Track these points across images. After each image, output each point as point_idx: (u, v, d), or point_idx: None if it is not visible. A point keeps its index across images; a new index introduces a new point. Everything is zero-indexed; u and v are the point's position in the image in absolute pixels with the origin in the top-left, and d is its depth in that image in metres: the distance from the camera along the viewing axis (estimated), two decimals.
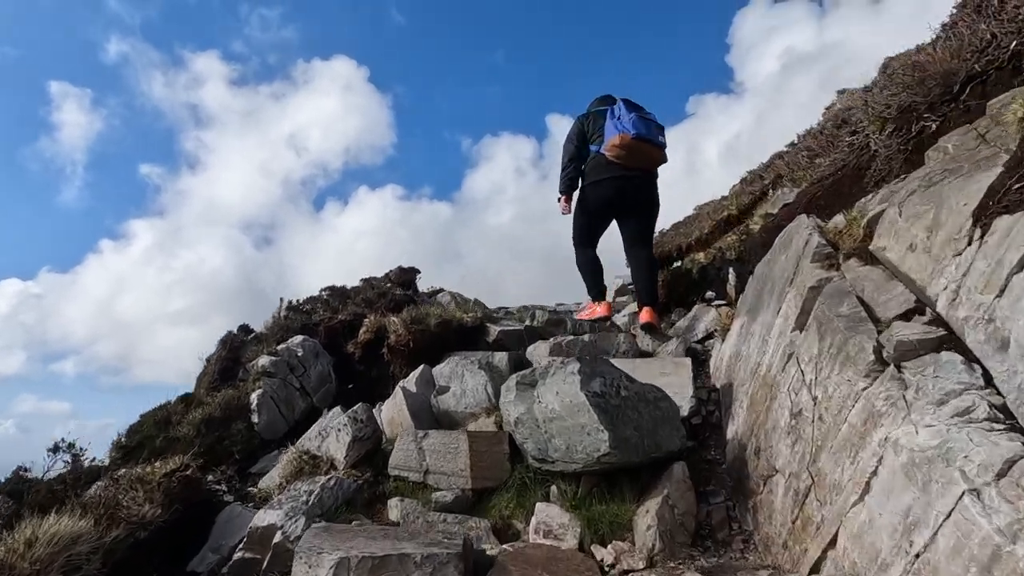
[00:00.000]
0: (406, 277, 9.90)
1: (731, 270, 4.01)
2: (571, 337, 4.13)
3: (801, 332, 2.36)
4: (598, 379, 2.62)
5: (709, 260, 4.20)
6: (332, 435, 3.08)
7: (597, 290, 4.33)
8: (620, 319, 6.98)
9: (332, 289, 5.99)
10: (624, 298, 10.91)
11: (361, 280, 6.98)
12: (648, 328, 3.95)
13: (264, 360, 4.43)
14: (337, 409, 3.95)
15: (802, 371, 2.23)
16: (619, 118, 3.76)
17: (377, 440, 3.21)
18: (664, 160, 3.96)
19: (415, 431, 2.92)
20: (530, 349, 4.28)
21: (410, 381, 4.03)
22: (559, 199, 4.33)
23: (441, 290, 12.48)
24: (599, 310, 4.31)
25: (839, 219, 2.70)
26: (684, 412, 3.11)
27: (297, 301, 5.57)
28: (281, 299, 5.64)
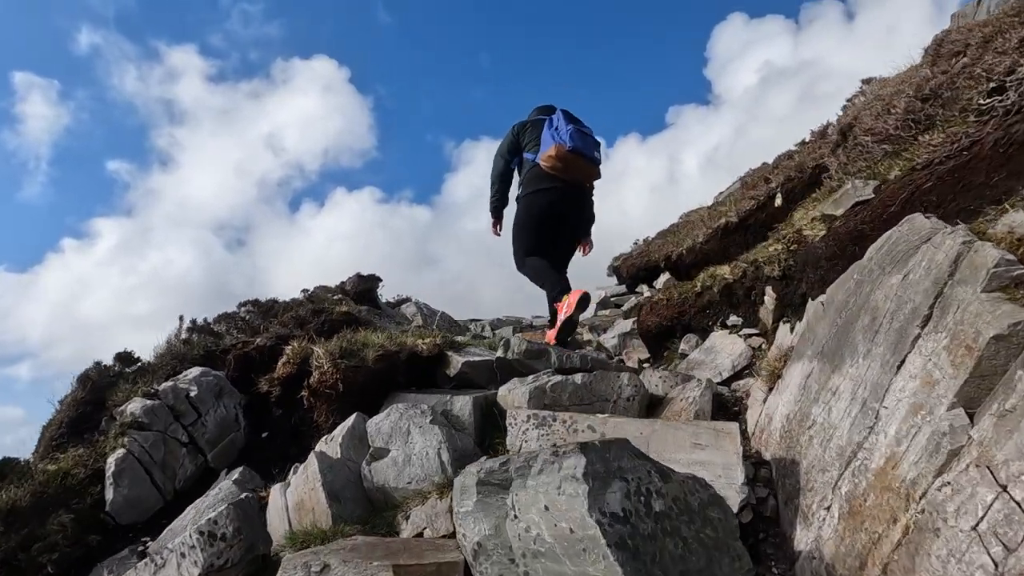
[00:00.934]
0: (365, 286, 8.67)
1: (768, 290, 2.98)
2: (558, 378, 3.01)
3: (986, 418, 1.30)
4: (617, 485, 1.51)
5: (737, 276, 3.15)
6: (171, 564, 1.88)
7: (559, 288, 3.58)
8: (609, 341, 5.93)
9: (255, 304, 4.73)
10: (607, 312, 9.90)
11: (302, 291, 5.75)
12: (582, 301, 3.46)
13: (135, 406, 3.14)
14: (229, 483, 2.74)
15: (1010, 497, 1.17)
16: (556, 128, 3.58)
17: (255, 561, 2.00)
18: (597, 176, 3.72)
19: (307, 564, 1.74)
20: (503, 391, 3.16)
21: (334, 440, 2.86)
22: (492, 222, 4.05)
23: (407, 300, 11.23)
24: (572, 300, 3.46)
25: (1017, 218, 1.66)
26: (734, 507, 2.03)
27: (205, 320, 4.31)
28: (181, 317, 4.31)
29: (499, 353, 3.52)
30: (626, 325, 5.74)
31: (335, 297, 5.76)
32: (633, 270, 9.77)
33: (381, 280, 9.82)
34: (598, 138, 3.68)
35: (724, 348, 3.31)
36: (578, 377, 3.00)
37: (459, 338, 4.42)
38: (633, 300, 9.42)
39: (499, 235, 4.05)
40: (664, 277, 9.38)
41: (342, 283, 8.43)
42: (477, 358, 3.75)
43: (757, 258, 2.88)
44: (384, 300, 11.72)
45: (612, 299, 10.01)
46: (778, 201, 6.08)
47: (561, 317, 3.52)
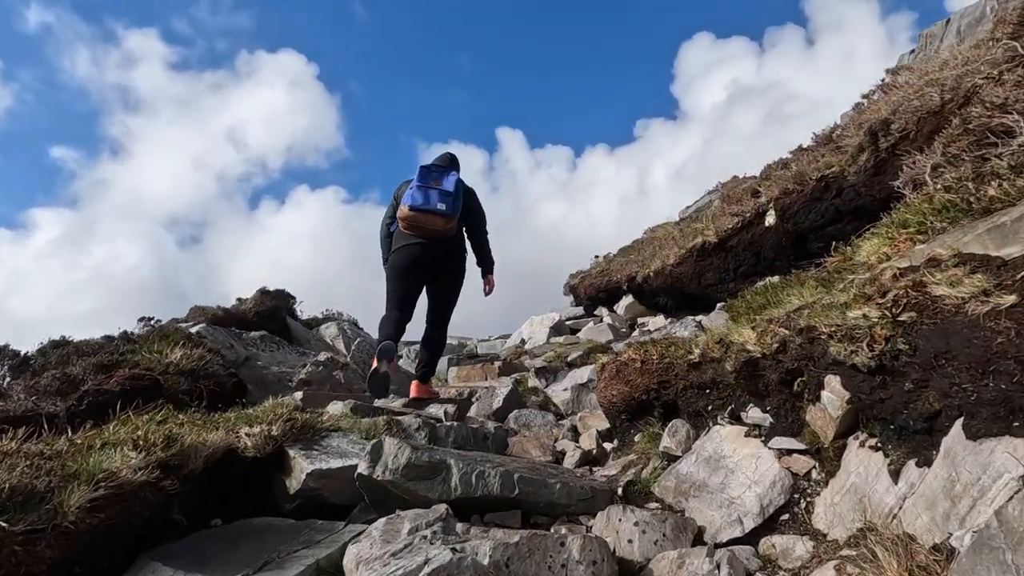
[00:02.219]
0: (270, 305, 6.99)
1: (834, 383, 1.60)
2: (444, 558, 1.52)
3: None
4: None
5: (768, 350, 1.76)
6: None
7: (379, 348, 3.68)
8: (560, 394, 4.48)
9: (56, 344, 3.06)
10: (560, 339, 8.54)
11: (140, 321, 4.09)
12: (415, 403, 3.77)
13: None
14: None
15: None
16: (411, 188, 3.74)
17: None
18: (448, 227, 3.73)
19: None
20: (349, 558, 1.66)
21: None
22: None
23: (330, 319, 9.53)
24: (373, 363, 3.60)
25: None
26: None
27: None
28: None
29: (361, 467, 2.01)
30: (582, 374, 4.35)
31: (188, 329, 4.12)
32: (592, 291, 8.44)
33: (293, 298, 8.14)
34: (449, 190, 3.71)
35: (741, 465, 1.93)
36: (487, 551, 1.52)
37: (329, 412, 2.88)
38: (591, 325, 8.08)
39: None
40: (626, 300, 8.10)
41: (239, 301, 6.73)
42: (337, 463, 2.23)
43: (815, 324, 1.55)
44: (308, 316, 10.00)
45: (568, 322, 8.64)
46: (770, 219, 4.83)
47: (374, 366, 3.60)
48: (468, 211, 3.89)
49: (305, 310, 9.71)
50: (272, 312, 6.86)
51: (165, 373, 2.88)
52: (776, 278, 3.96)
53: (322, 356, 5.92)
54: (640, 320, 7.61)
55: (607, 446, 3.08)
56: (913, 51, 15.41)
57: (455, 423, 2.52)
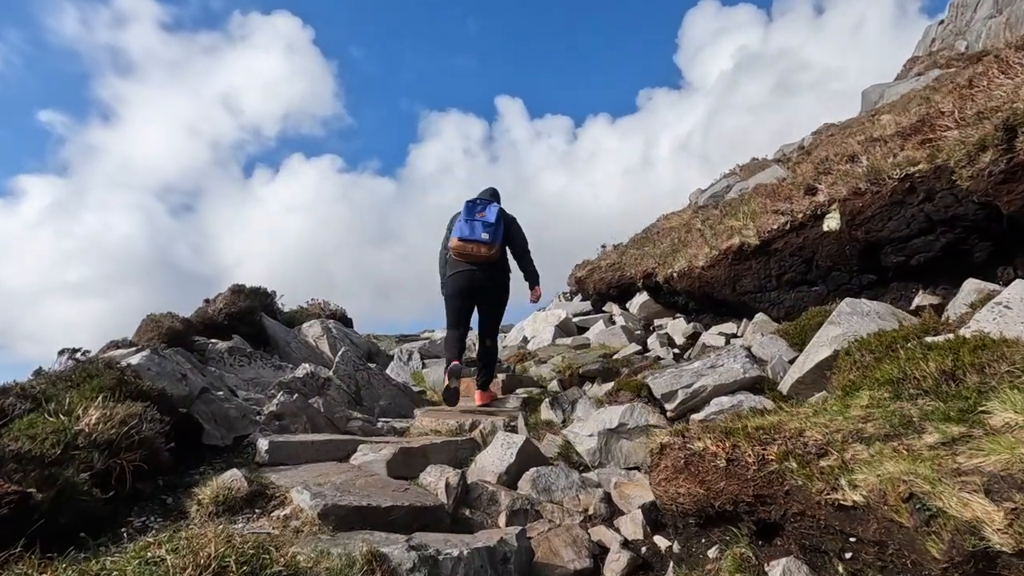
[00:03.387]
0: (242, 307, 6.12)
1: None
2: None
3: None
4: None
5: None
6: None
7: (451, 353, 4.46)
8: (584, 440, 3.66)
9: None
10: (567, 341, 7.74)
11: (61, 355, 3.26)
12: (482, 408, 4.34)
13: None
14: None
15: None
16: (459, 221, 4.36)
17: None
18: (491, 253, 4.31)
19: None
20: None
21: None
22: None
23: (312, 316, 8.58)
24: (447, 375, 4.37)
25: None
26: None
27: None
28: None
29: None
30: (611, 416, 3.51)
31: (124, 362, 3.28)
32: (602, 286, 7.62)
33: (271, 294, 7.27)
34: (491, 220, 4.31)
35: None
36: None
37: (289, 523, 2.08)
38: (600, 325, 7.30)
39: None
40: (641, 298, 7.31)
41: (206, 303, 5.87)
42: None
43: None
44: (292, 309, 9.13)
45: (575, 319, 7.86)
46: (831, 223, 4.00)
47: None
48: (510, 237, 4.49)
49: (289, 300, 8.85)
50: (245, 314, 6.01)
51: (67, 452, 2.07)
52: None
53: (300, 371, 5.11)
54: (657, 322, 6.83)
55: (660, 543, 2.32)
56: (942, 22, 14.44)
57: (463, 552, 1.75)
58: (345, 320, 9.81)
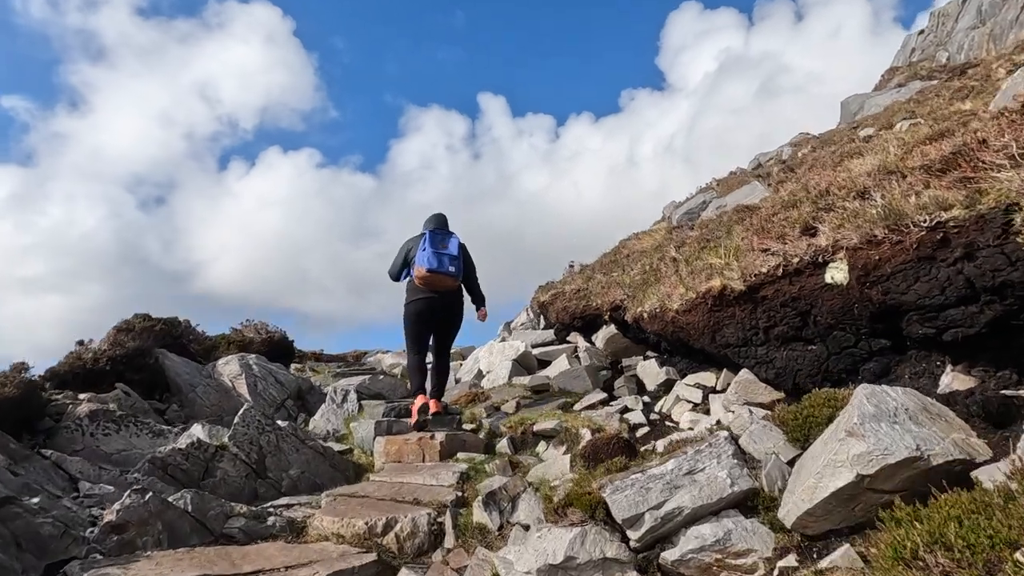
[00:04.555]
0: (130, 348, 5.05)
1: None
2: None
3: None
4: None
5: None
6: None
7: (417, 387, 4.93)
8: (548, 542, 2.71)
9: None
10: (525, 380, 6.84)
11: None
12: (423, 409, 4.74)
13: None
14: None
15: None
16: (424, 250, 4.64)
17: None
18: (455, 284, 4.79)
19: None
20: None
21: None
22: None
23: (233, 356, 7.40)
24: (416, 401, 4.85)
25: None
26: None
27: None
28: None
29: None
30: (552, 545, 2.59)
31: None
32: (566, 316, 6.76)
33: (179, 324, 6.19)
34: (455, 254, 4.76)
35: None
36: None
37: None
38: (563, 361, 6.43)
39: None
40: (607, 331, 6.46)
41: (81, 346, 4.78)
42: None
43: None
44: (217, 335, 8.03)
45: (536, 351, 6.98)
46: (836, 275, 3.20)
47: (418, 403, 4.83)
48: (466, 267, 4.92)
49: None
50: (134, 356, 4.95)
51: None
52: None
53: (184, 439, 4.11)
54: (626, 361, 6.00)
55: None
56: (922, 31, 14.02)
57: None
58: (284, 347, 8.76)
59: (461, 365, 8.22)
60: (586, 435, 4.42)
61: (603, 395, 5.35)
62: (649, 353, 5.98)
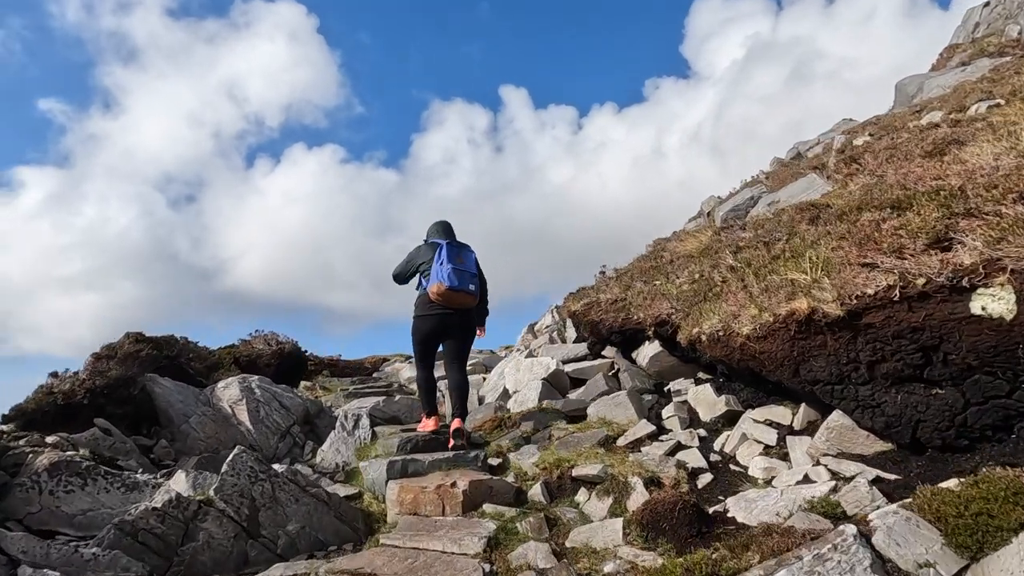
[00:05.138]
0: (113, 378, 4.44)
1: None
2: None
3: None
4: None
5: None
6: None
7: (430, 408, 4.83)
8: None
9: None
10: (558, 405, 6.09)
11: None
12: (457, 434, 4.49)
13: None
14: None
15: None
16: (441, 264, 4.38)
17: None
18: (474, 303, 4.58)
19: None
20: None
21: None
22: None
23: (233, 378, 6.82)
24: (430, 424, 4.78)
25: None
26: None
27: None
28: None
29: None
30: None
31: None
32: (602, 329, 5.98)
33: (176, 342, 5.60)
34: (473, 271, 4.58)
35: None
36: None
37: None
38: (600, 381, 5.67)
39: None
40: (651, 348, 5.67)
41: (55, 379, 4.19)
42: None
43: None
44: (220, 348, 7.48)
45: (567, 367, 6.24)
46: (993, 306, 2.39)
47: (430, 427, 4.76)
48: (480, 281, 4.78)
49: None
50: (117, 386, 4.36)
51: None
52: None
53: (161, 496, 3.47)
54: (674, 385, 5.21)
55: None
56: (988, 3, 12.72)
57: None
58: (295, 360, 8.16)
59: (484, 380, 7.52)
60: (636, 485, 3.67)
61: (650, 427, 4.58)
62: (702, 376, 5.19)
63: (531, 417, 5.41)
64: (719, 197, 9.72)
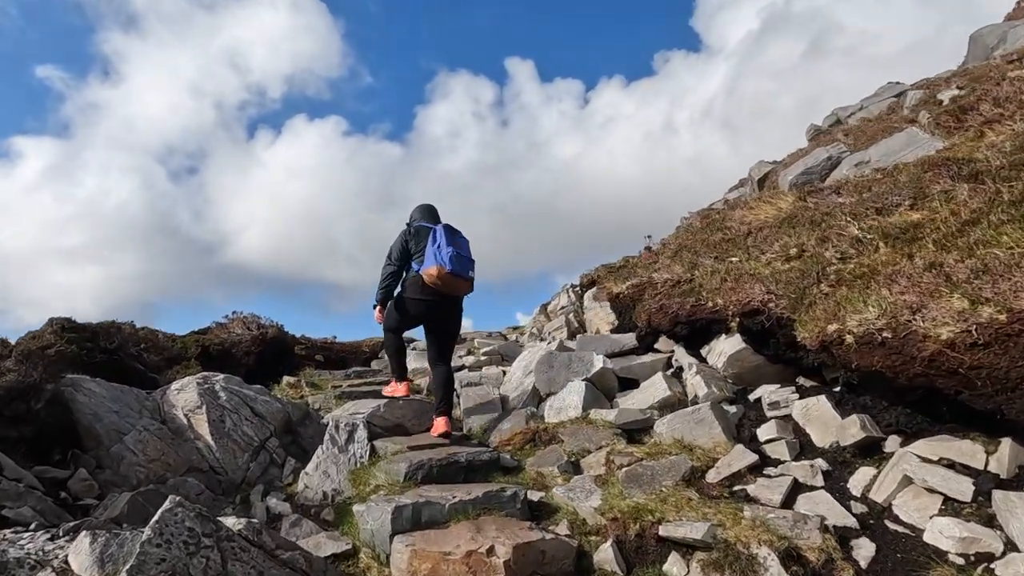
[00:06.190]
0: (12, 386, 3.13)
1: None
2: None
3: None
4: None
5: None
6: None
7: (401, 370, 4.77)
8: None
9: None
10: (610, 418, 4.74)
11: None
12: (444, 436, 4.17)
13: None
14: None
15: None
16: (439, 247, 4.12)
17: None
18: (470, 290, 4.36)
19: None
20: None
21: None
22: (374, 306, 4.58)
23: (190, 378, 5.34)
24: (400, 389, 4.71)
25: None
26: None
27: None
28: None
29: None
30: None
31: None
32: (662, 318, 4.67)
33: (118, 331, 4.30)
34: (473, 258, 4.32)
35: None
36: None
37: None
38: (660, 386, 4.41)
39: (380, 323, 4.62)
40: (730, 343, 4.37)
41: None
42: None
43: None
44: (191, 332, 6.18)
45: (612, 364, 4.94)
46: None
47: (400, 391, 4.69)
48: None
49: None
50: (9, 400, 3.04)
51: None
52: None
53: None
54: (766, 394, 3.92)
55: None
56: None
57: None
58: (280, 346, 6.86)
59: (504, 374, 6.25)
60: (768, 561, 2.44)
61: (751, 456, 3.33)
62: (804, 382, 3.92)
63: (577, 432, 4.15)
64: (772, 161, 8.34)
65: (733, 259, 4.58)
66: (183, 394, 4.19)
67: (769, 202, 5.35)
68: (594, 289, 11.90)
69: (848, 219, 3.81)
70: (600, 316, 11.40)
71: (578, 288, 13.26)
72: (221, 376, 4.44)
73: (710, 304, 4.30)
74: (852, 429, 3.22)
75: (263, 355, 6.58)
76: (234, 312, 6.86)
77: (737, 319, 4.08)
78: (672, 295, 4.62)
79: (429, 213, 4.60)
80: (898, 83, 14.36)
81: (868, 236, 3.56)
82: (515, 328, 15.42)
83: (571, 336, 11.88)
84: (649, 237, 6.47)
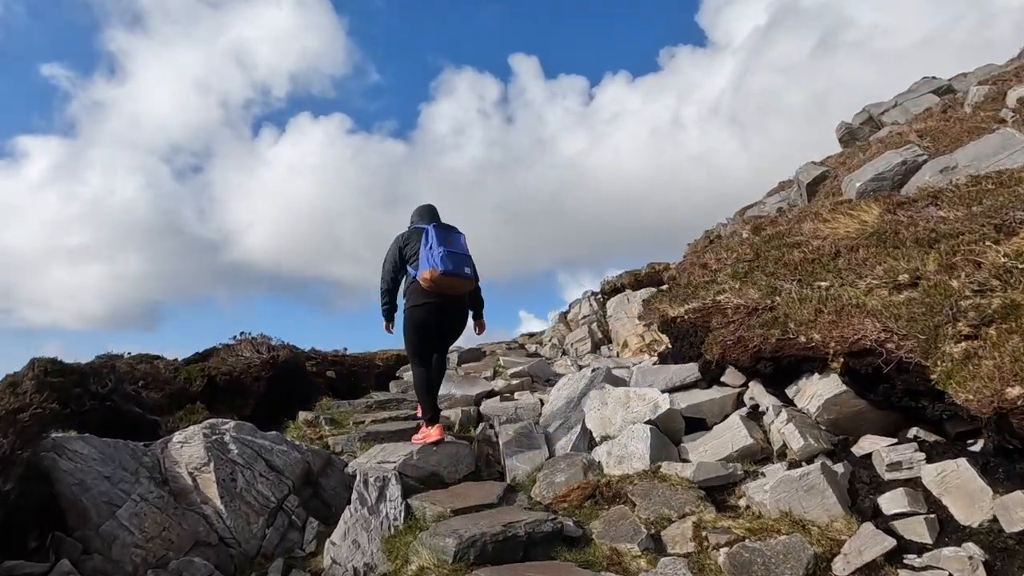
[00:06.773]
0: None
1: None
2: None
3: None
4: None
5: None
6: None
7: (432, 412, 4.27)
8: None
9: None
10: (676, 470, 4.06)
11: None
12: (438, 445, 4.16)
13: None
14: None
15: None
16: (430, 248, 3.99)
17: None
18: (471, 287, 4.28)
19: None
20: None
21: None
22: (384, 322, 4.53)
23: (194, 428, 4.67)
24: (432, 434, 4.20)
25: None
26: None
27: None
28: None
29: None
30: None
31: None
32: (740, 353, 4.03)
33: (107, 372, 3.68)
34: (469, 253, 4.15)
35: None
36: None
37: None
38: (739, 429, 3.78)
39: (391, 333, 4.56)
40: (827, 385, 3.70)
41: None
42: None
43: None
44: (194, 356, 5.59)
45: (676, 401, 4.30)
46: None
47: (434, 437, 4.14)
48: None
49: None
50: None
51: None
52: None
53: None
54: (886, 453, 3.28)
55: None
56: None
57: None
58: (292, 371, 6.24)
59: (542, 403, 5.62)
60: None
61: (887, 541, 2.69)
62: (920, 433, 3.28)
63: (649, 491, 3.52)
64: (819, 163, 7.66)
65: (822, 283, 3.93)
66: (187, 448, 3.57)
67: (849, 214, 4.69)
68: (618, 297, 11.22)
69: (983, 241, 3.16)
70: (628, 328, 10.66)
71: (599, 296, 12.58)
72: (231, 424, 3.81)
73: (802, 339, 3.65)
74: (1020, 512, 2.58)
75: (274, 381, 5.96)
76: (242, 333, 6.26)
77: (841, 358, 3.43)
78: (750, 325, 3.97)
79: (428, 214, 4.46)
80: (934, 78, 13.59)
81: (1015, 263, 2.91)
82: (531, 335, 14.75)
83: (595, 348, 11.23)
84: (695, 242, 5.79)
